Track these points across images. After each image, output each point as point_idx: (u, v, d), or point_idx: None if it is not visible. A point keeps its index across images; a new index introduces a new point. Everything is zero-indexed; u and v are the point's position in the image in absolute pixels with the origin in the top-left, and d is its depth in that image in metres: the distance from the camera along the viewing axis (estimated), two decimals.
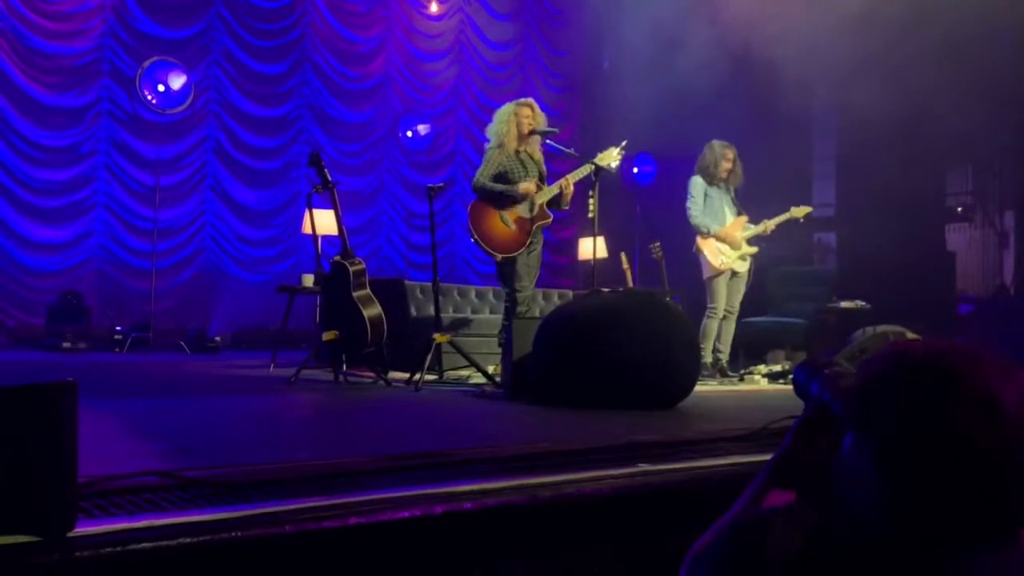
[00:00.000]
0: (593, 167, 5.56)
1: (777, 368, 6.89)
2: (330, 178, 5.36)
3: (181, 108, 8.85)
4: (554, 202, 5.62)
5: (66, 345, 7.57)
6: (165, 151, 8.88)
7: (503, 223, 5.49)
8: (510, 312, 5.52)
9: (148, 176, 8.69)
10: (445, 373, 5.82)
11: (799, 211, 6.74)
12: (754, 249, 6.69)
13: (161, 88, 8.66)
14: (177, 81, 8.73)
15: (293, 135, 9.77)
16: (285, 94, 9.72)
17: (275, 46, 9.62)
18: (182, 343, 8.28)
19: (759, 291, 7.83)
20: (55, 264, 8.37)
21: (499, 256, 5.50)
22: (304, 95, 9.84)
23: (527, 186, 5.48)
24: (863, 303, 7.81)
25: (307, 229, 6.28)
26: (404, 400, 4.45)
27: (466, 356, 5.35)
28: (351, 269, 5.26)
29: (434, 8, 10.66)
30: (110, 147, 8.66)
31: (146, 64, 8.60)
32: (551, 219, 5.64)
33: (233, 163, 9.37)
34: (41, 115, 8.29)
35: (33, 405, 1.43)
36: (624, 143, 5.77)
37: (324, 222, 6.15)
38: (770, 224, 6.66)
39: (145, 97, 8.62)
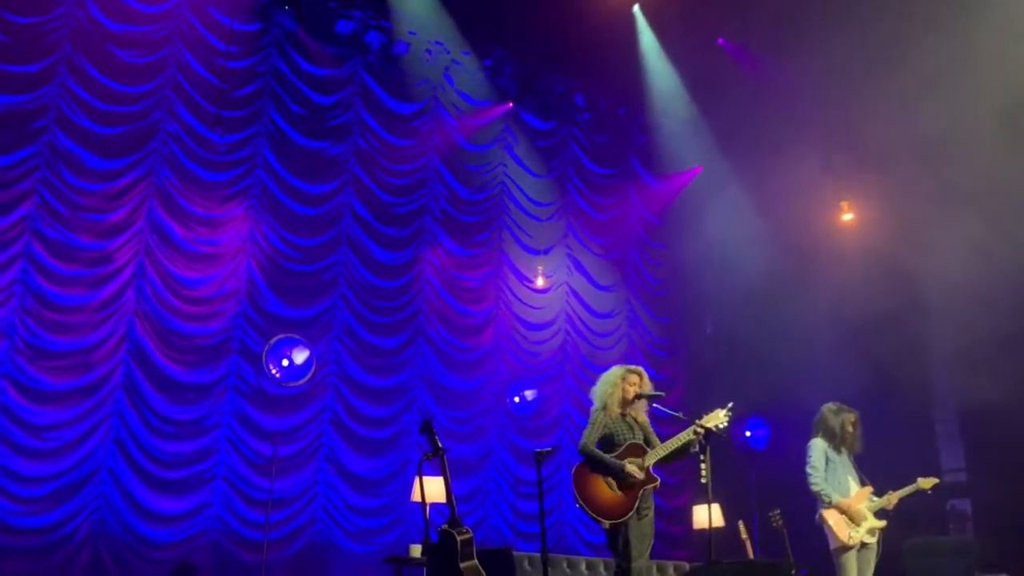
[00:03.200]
0: (701, 430, 5.49)
1: None
2: (440, 445, 5.44)
3: (303, 381, 9.30)
4: (673, 455, 5.51)
5: None
6: (284, 422, 9.22)
7: (609, 488, 5.38)
8: None
9: (266, 447, 8.97)
10: None
11: (926, 482, 6.38)
12: (882, 523, 6.29)
13: (285, 363, 9.17)
14: (300, 356, 9.24)
15: (405, 403, 10.06)
16: (399, 365, 10.14)
17: (392, 321, 10.18)
18: None
19: (893, 564, 7.26)
20: (172, 535, 8.48)
21: (607, 523, 5.32)
22: (417, 365, 10.23)
23: (633, 469, 5.38)
24: None
25: (416, 497, 6.29)
26: None
27: None
28: (459, 539, 5.19)
29: (540, 283, 11.22)
30: (233, 420, 9.04)
31: (272, 341, 9.17)
32: (659, 482, 5.51)
33: (348, 432, 9.62)
34: (173, 390, 8.76)
35: None
36: (731, 405, 5.71)
37: (433, 490, 6.16)
38: (894, 497, 6.31)
39: (270, 371, 9.11)
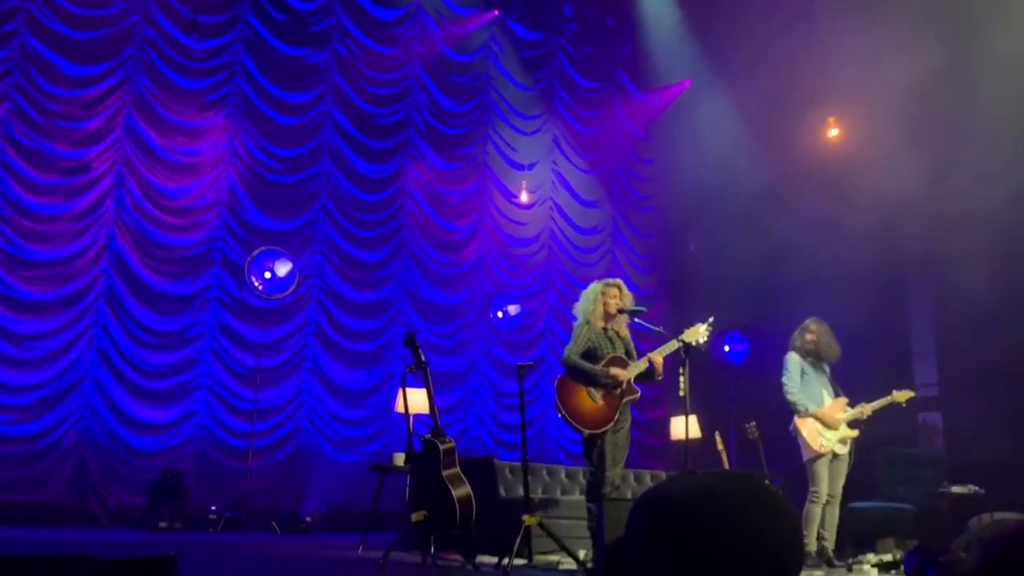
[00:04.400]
0: (681, 344, 5.56)
1: (887, 557, 6.45)
2: (424, 358, 5.48)
3: (285, 294, 9.31)
4: (646, 376, 5.60)
5: (163, 524, 7.68)
6: (268, 334, 9.28)
7: (590, 398, 5.47)
8: (592, 492, 5.39)
9: (251, 358, 9.04)
10: (535, 557, 5.64)
11: (901, 395, 6.50)
12: (854, 432, 6.44)
13: (268, 275, 9.16)
14: (283, 268, 9.23)
15: (389, 317, 10.12)
16: (383, 279, 10.16)
17: (375, 235, 10.16)
18: (274, 523, 8.30)
19: (864, 474, 7.48)
20: (157, 444, 8.62)
21: (586, 432, 5.44)
22: (401, 279, 10.25)
23: (618, 372, 5.47)
24: (977, 488, 7.36)
25: (400, 408, 6.38)
26: None
27: (556, 540, 5.20)
28: (441, 448, 5.28)
29: (524, 198, 11.16)
30: (216, 331, 9.09)
31: (255, 253, 9.15)
32: (639, 395, 5.60)
33: (332, 345, 9.70)
34: (155, 301, 8.80)
35: None
36: (711, 319, 5.76)
37: (416, 401, 6.24)
38: (867, 409, 6.43)
39: (253, 284, 9.11)
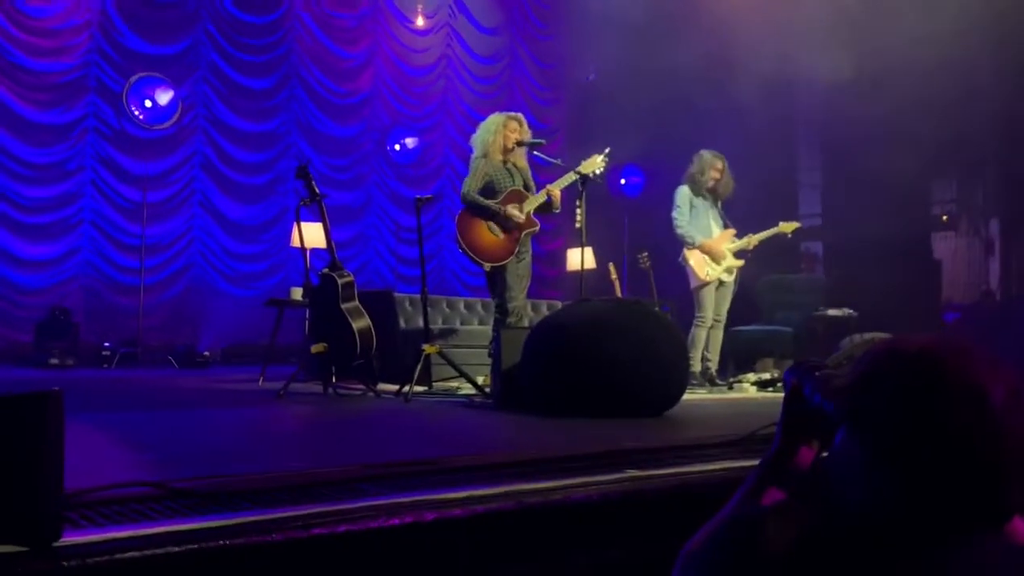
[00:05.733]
0: (578, 176, 5.60)
1: (766, 376, 6.92)
2: (318, 191, 5.36)
3: (168, 124, 8.85)
4: (544, 208, 5.65)
5: (53, 361, 7.51)
6: (153, 167, 8.87)
7: (491, 232, 5.51)
8: (500, 323, 5.53)
9: (135, 192, 8.68)
10: (434, 384, 5.81)
11: (787, 226, 6.77)
12: (740, 262, 6.72)
13: (148, 104, 8.66)
14: (164, 97, 8.72)
15: (281, 150, 9.78)
16: (273, 109, 9.73)
17: (262, 61, 9.63)
18: (171, 358, 8.24)
19: (747, 300, 7.87)
20: (42, 281, 8.33)
21: (488, 265, 5.51)
22: (292, 110, 9.85)
23: (514, 212, 5.48)
24: (851, 311, 7.86)
25: (296, 243, 6.27)
26: (393, 411, 4.44)
27: (455, 367, 5.36)
28: (339, 281, 5.26)
29: (420, 23, 10.70)
30: (96, 163, 8.65)
31: (133, 80, 8.60)
32: (538, 227, 5.66)
33: (221, 178, 9.36)
34: (27, 132, 8.27)
35: (18, 415, 1.43)
36: (608, 151, 5.79)
37: (313, 235, 6.14)
38: (754, 239, 6.68)
39: (132, 113, 8.61)
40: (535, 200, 5.58)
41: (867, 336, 6.48)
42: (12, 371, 7.06)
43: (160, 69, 8.83)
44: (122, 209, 8.73)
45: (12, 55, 8.16)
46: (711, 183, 6.70)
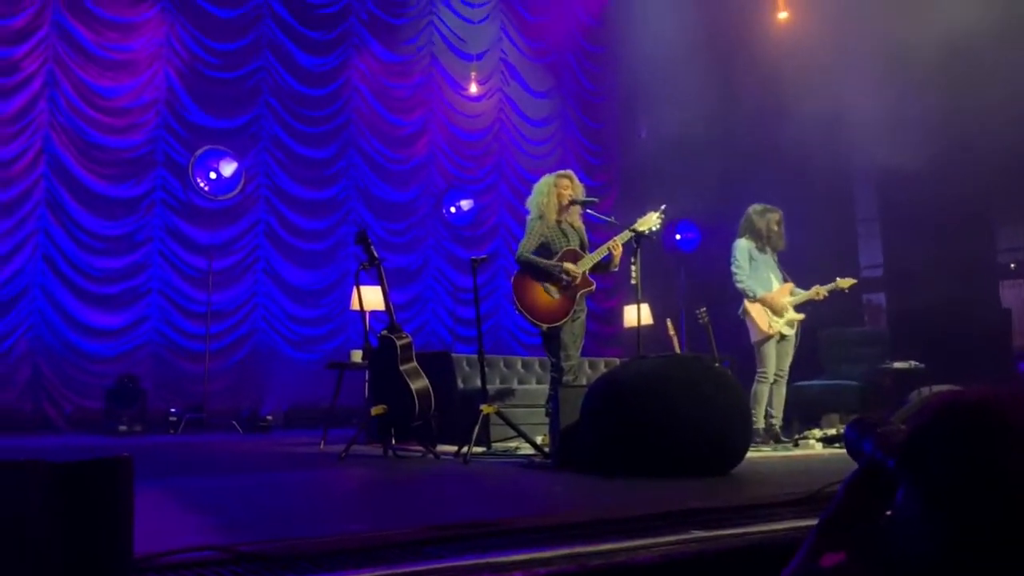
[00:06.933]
0: (633, 233, 5.60)
1: (832, 432, 6.73)
2: (376, 255, 5.46)
3: (232, 194, 9.14)
4: (601, 267, 5.66)
5: (122, 428, 7.70)
6: (218, 236, 9.15)
7: (547, 293, 5.53)
8: (556, 382, 5.51)
9: (201, 260, 8.94)
10: (493, 445, 5.80)
11: (844, 282, 6.65)
12: (801, 316, 6.61)
13: (213, 175, 8.97)
14: (228, 168, 9.03)
15: (341, 216, 10.01)
16: (332, 177, 10.00)
17: (321, 131, 9.94)
18: (235, 423, 8.38)
19: (810, 354, 7.72)
20: (112, 349, 8.58)
21: (545, 326, 5.52)
22: (351, 177, 10.11)
23: (571, 267, 5.50)
24: (917, 364, 7.65)
25: (355, 306, 6.37)
26: (452, 472, 4.44)
27: (513, 427, 5.34)
28: (398, 343, 5.32)
29: (474, 89, 10.95)
30: (164, 234, 8.94)
31: (198, 153, 8.92)
32: (594, 287, 5.67)
33: (283, 245, 9.61)
34: (99, 205, 8.61)
35: (90, 481, 1.48)
36: (663, 208, 5.80)
37: (372, 299, 6.24)
38: (822, 290, 6.58)
39: (198, 184, 8.92)
40: (591, 259, 5.60)
41: (936, 389, 6.29)
42: (83, 438, 7.25)
43: (224, 142, 9.16)
44: (188, 277, 8.99)
45: (87, 134, 8.56)
46: (770, 236, 6.64)
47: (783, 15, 9.94)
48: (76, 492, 1.47)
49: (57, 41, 8.43)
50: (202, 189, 8.95)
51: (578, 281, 5.54)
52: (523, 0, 11.42)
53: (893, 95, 7.98)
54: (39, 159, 8.32)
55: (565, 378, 5.46)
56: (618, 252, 5.61)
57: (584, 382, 5.67)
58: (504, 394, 6.77)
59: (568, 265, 5.51)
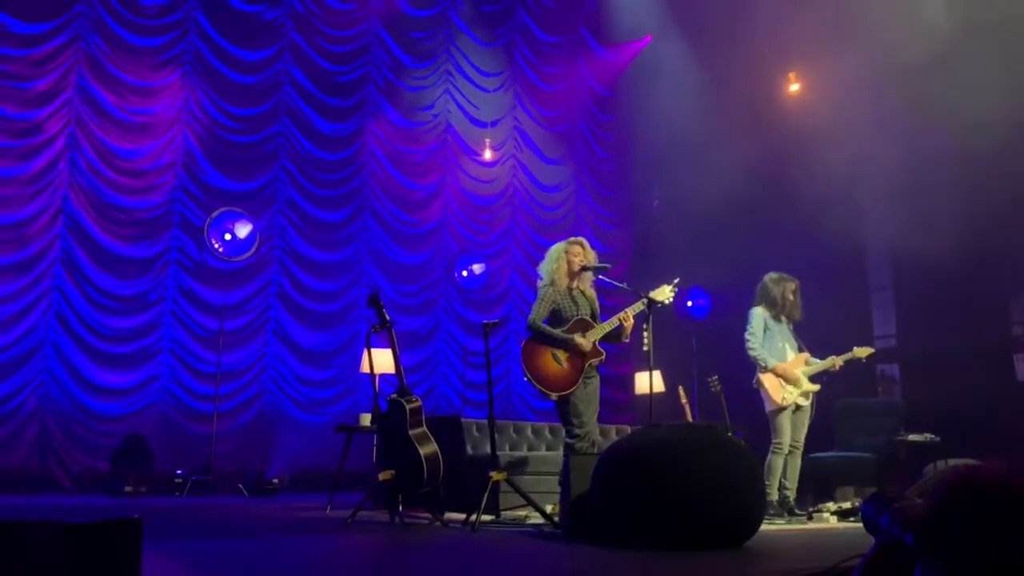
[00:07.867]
0: (646, 302, 5.58)
1: (847, 505, 6.61)
2: (388, 318, 5.46)
3: (247, 255, 9.21)
4: (612, 337, 5.62)
5: (128, 489, 7.64)
6: (230, 296, 9.19)
7: (555, 361, 5.47)
8: (569, 448, 5.43)
9: (213, 321, 8.97)
10: (502, 513, 5.71)
11: (861, 352, 6.60)
12: (816, 387, 6.55)
13: (228, 237, 9.05)
14: (243, 230, 9.11)
15: (353, 278, 10.06)
16: (346, 239, 10.08)
17: (337, 195, 10.06)
18: (241, 486, 8.30)
19: (824, 425, 7.63)
20: (120, 408, 8.55)
21: (553, 395, 5.45)
22: (364, 240, 10.19)
23: (581, 341, 5.45)
24: (932, 436, 7.54)
25: (365, 368, 6.35)
26: (460, 541, 4.36)
27: (523, 495, 5.25)
28: (408, 407, 5.28)
29: (488, 155, 11.10)
30: (177, 294, 8.99)
31: (214, 214, 9.02)
32: (604, 356, 5.61)
33: (295, 306, 9.64)
34: (113, 265, 8.68)
35: (100, 541, 1.46)
36: (677, 280, 5.79)
37: (382, 361, 6.23)
38: (838, 361, 6.53)
39: (212, 246, 9.00)
40: (602, 329, 5.55)
41: (952, 462, 6.19)
42: (88, 498, 7.18)
43: (240, 204, 9.26)
44: (199, 338, 9.01)
45: (105, 194, 8.68)
46: (785, 304, 6.62)
47: (795, 87, 10.11)
48: (89, 552, 1.45)
49: (80, 104, 8.61)
50: (216, 250, 9.02)
51: (587, 351, 5.49)
52: (537, 70, 11.64)
53: (908, 166, 8.03)
54: (57, 219, 8.43)
55: (579, 445, 5.37)
56: (629, 324, 5.58)
57: (597, 450, 5.60)
58: (514, 461, 6.69)
59: (578, 338, 5.46)
